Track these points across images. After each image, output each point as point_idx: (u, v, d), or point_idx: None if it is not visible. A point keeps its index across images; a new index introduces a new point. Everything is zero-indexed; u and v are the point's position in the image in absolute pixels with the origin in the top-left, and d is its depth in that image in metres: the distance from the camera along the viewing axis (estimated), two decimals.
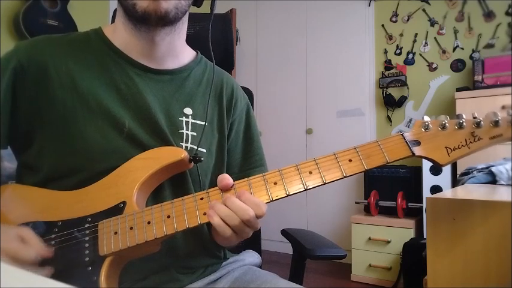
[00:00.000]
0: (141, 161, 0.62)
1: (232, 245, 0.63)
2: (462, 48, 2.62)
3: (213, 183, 0.60)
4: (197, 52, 0.81)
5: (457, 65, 2.64)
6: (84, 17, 2.39)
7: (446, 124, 0.58)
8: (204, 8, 0.80)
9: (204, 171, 0.70)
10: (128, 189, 0.60)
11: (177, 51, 0.74)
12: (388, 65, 2.87)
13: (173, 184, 0.67)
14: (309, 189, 0.57)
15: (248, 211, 0.55)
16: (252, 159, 0.80)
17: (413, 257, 2.02)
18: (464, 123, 0.57)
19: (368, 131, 2.92)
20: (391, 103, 2.80)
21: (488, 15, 2.53)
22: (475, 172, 1.28)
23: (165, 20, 0.65)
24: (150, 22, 0.65)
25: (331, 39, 3.09)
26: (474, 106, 2.18)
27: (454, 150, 0.57)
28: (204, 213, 0.57)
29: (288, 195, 0.57)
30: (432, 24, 2.73)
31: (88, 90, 0.65)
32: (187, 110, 0.71)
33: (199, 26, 1.00)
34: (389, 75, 2.86)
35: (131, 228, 0.57)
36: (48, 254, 0.56)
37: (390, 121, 2.84)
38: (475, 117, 0.57)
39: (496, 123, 0.56)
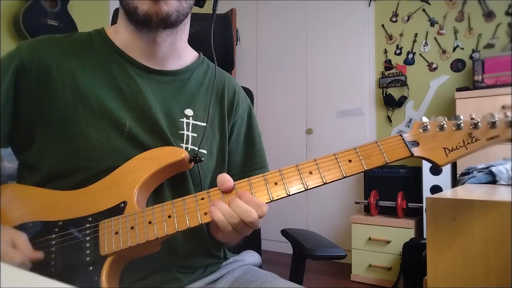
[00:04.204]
0: (142, 161, 0.62)
1: (233, 244, 0.63)
2: (462, 48, 2.62)
3: (214, 185, 0.60)
4: (199, 53, 0.81)
5: (457, 65, 2.64)
6: (84, 17, 2.39)
7: (445, 125, 0.59)
8: (205, 8, 0.80)
9: (204, 173, 0.70)
10: (128, 189, 0.60)
11: (179, 52, 0.74)
12: (388, 65, 2.88)
13: (173, 184, 0.67)
14: (309, 189, 0.57)
15: (252, 214, 0.55)
16: (253, 161, 0.80)
17: (413, 257, 2.02)
18: (462, 124, 0.58)
19: (368, 131, 2.92)
20: (391, 103, 2.80)
21: (488, 15, 2.53)
22: (475, 172, 1.28)
23: (166, 23, 0.65)
24: (151, 25, 0.65)
25: (331, 39, 3.09)
26: (474, 106, 2.18)
27: (452, 151, 0.58)
28: (205, 213, 0.57)
29: (289, 195, 0.57)
30: (432, 24, 2.73)
31: (89, 90, 0.65)
32: (188, 111, 0.72)
33: (199, 26, 1.00)
34: (389, 75, 2.87)
35: (132, 228, 0.57)
36: (37, 257, 0.56)
37: (390, 121, 2.84)
38: (472, 119, 0.58)
39: (493, 125, 0.57)
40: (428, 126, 0.59)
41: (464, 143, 0.57)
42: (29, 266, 0.55)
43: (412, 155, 0.58)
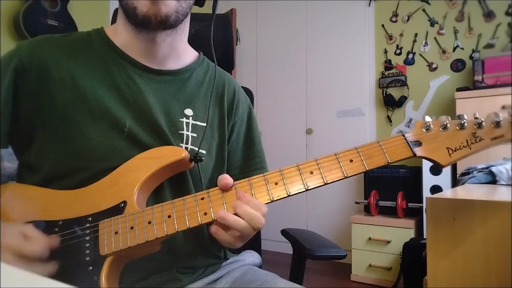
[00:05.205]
0: (142, 160, 0.62)
1: (236, 247, 0.63)
2: (462, 48, 2.62)
3: (213, 185, 0.60)
4: (199, 53, 0.81)
5: (457, 65, 2.64)
6: (84, 17, 2.39)
7: (448, 125, 0.58)
8: (204, 8, 0.80)
9: (204, 173, 0.70)
10: (128, 189, 0.60)
11: (178, 51, 0.74)
12: (388, 65, 2.87)
13: (173, 184, 0.67)
14: (310, 189, 0.57)
15: (261, 220, 0.56)
16: (252, 161, 0.79)
17: (413, 257, 2.02)
18: (465, 124, 0.57)
19: (368, 131, 2.92)
20: (391, 103, 2.80)
21: (488, 15, 2.53)
22: (475, 172, 1.28)
23: (166, 24, 0.65)
24: (150, 26, 0.65)
25: (331, 39, 3.09)
26: (474, 106, 2.18)
27: (455, 151, 0.57)
28: (205, 214, 0.57)
29: (289, 195, 0.57)
30: (432, 24, 2.73)
31: (89, 90, 0.65)
32: (188, 111, 0.71)
33: (199, 25, 1.00)
34: (389, 75, 2.86)
35: (132, 228, 0.57)
36: (54, 244, 0.56)
37: (390, 121, 2.84)
38: (476, 118, 0.57)
39: (497, 124, 0.56)
40: (431, 125, 0.58)
41: (467, 142, 0.56)
42: (48, 254, 0.55)
43: (415, 155, 0.58)
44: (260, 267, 0.83)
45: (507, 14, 2.47)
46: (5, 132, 0.64)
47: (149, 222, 0.57)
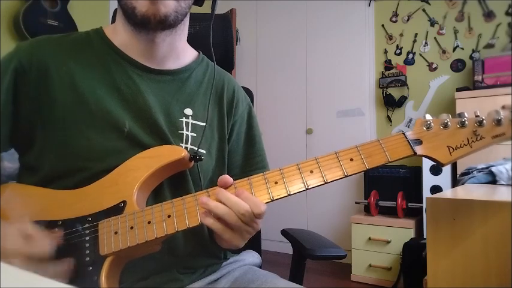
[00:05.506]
0: (141, 159, 0.62)
1: (236, 247, 0.62)
2: (462, 48, 2.62)
3: (214, 185, 0.60)
4: (199, 52, 0.81)
5: (457, 65, 2.64)
6: (84, 17, 2.39)
7: (448, 123, 0.58)
8: (204, 8, 0.80)
9: (203, 173, 0.70)
10: (128, 189, 0.60)
11: (178, 51, 0.74)
12: (388, 65, 2.87)
13: (173, 184, 0.67)
14: (310, 188, 0.57)
15: (243, 205, 0.54)
16: (253, 160, 0.79)
17: (413, 257, 2.02)
18: (466, 122, 0.57)
19: (368, 131, 2.92)
20: (391, 103, 2.80)
21: (488, 15, 2.53)
22: (475, 172, 1.28)
23: (165, 24, 0.65)
24: (150, 26, 0.65)
25: (331, 39, 3.09)
26: (474, 106, 2.18)
27: (456, 149, 0.56)
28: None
29: (289, 194, 0.57)
30: (432, 24, 2.73)
31: (88, 91, 0.65)
32: (188, 111, 0.71)
33: (199, 25, 1.00)
34: (389, 75, 2.86)
35: (131, 227, 0.57)
36: (58, 239, 0.56)
37: (390, 121, 2.84)
38: (477, 116, 0.57)
39: (498, 122, 0.56)
40: (432, 123, 0.58)
41: (468, 141, 0.56)
42: (55, 251, 0.54)
43: (415, 153, 0.57)
44: (260, 267, 0.82)
45: (507, 14, 2.47)
46: (6, 133, 0.64)
47: (149, 222, 0.57)
